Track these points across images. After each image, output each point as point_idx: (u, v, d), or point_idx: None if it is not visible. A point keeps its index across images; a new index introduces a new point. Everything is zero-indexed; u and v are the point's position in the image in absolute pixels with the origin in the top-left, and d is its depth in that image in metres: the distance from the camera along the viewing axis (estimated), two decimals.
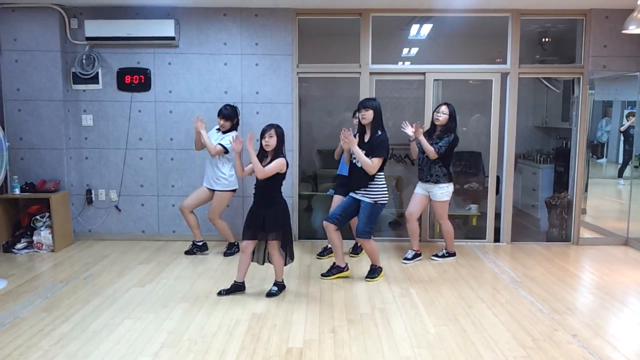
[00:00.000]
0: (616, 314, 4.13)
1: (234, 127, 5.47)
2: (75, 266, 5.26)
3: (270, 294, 4.41)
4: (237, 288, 4.46)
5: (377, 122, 4.65)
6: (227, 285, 4.51)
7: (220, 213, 5.49)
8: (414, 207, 5.46)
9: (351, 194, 4.79)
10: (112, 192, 6.21)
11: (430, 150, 5.17)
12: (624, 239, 6.22)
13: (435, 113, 5.34)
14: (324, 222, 4.82)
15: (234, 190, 5.49)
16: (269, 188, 4.31)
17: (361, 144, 4.67)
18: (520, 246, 6.15)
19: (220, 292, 4.43)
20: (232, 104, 5.57)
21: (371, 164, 4.56)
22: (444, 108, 5.31)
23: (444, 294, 4.49)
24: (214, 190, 5.44)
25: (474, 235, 6.50)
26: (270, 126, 4.29)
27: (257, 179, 4.32)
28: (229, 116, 5.39)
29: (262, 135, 4.27)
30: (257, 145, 4.44)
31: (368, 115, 4.61)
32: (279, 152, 4.29)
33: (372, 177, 4.64)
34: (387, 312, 4.08)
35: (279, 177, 4.31)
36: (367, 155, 4.59)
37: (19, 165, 5.97)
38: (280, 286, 4.49)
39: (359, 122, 4.78)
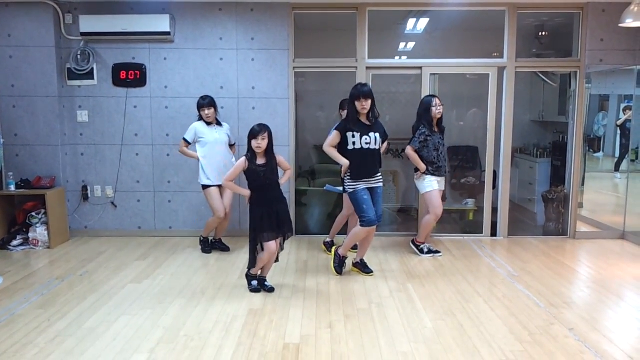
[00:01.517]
0: (613, 307, 4.14)
1: (217, 120, 5.44)
2: (71, 263, 5.24)
3: (271, 289, 4.40)
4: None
5: (374, 107, 4.66)
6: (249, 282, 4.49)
7: None
8: (441, 203, 5.45)
9: (366, 185, 4.65)
10: (108, 189, 6.19)
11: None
12: (620, 232, 6.23)
13: (433, 107, 5.27)
14: (371, 227, 4.64)
15: None
16: (277, 184, 4.29)
17: (367, 129, 4.62)
18: (517, 240, 6.16)
19: (266, 289, 4.42)
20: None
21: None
22: (438, 100, 5.31)
23: (441, 289, 4.49)
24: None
25: (471, 229, 6.50)
26: (263, 128, 4.19)
27: (260, 180, 4.21)
28: (212, 103, 5.35)
29: (254, 137, 4.17)
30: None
31: (368, 105, 4.58)
32: (271, 152, 4.25)
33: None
34: (384, 307, 4.08)
35: (277, 173, 4.29)
36: (382, 136, 4.72)
37: (14, 162, 5.94)
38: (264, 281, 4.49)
39: (354, 111, 4.63)
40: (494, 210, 6.29)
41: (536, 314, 3.94)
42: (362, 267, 4.90)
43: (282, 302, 4.19)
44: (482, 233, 6.29)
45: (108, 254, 5.55)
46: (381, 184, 4.76)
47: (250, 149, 4.24)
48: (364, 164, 4.64)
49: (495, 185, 6.30)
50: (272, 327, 3.71)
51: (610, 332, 3.67)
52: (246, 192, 4.31)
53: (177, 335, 3.57)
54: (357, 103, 4.56)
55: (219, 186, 5.36)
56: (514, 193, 7.15)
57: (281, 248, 4.43)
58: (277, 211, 4.24)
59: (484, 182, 6.32)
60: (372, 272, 4.86)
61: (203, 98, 5.38)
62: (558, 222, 6.37)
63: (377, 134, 4.64)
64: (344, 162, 4.61)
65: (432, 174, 5.34)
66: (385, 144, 4.95)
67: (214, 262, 5.24)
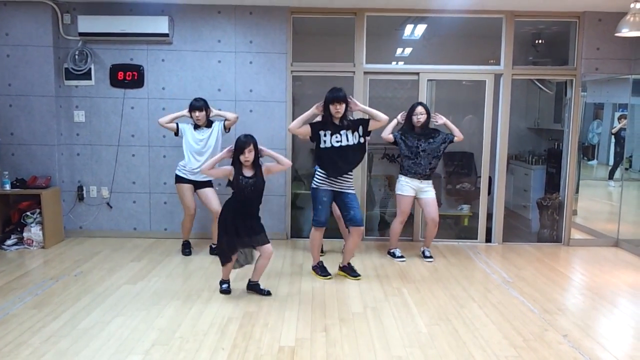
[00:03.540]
0: (606, 314, 4.16)
1: (208, 120, 5.37)
2: (66, 263, 5.22)
3: (268, 293, 4.39)
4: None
5: (347, 112, 4.69)
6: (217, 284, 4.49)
7: None
8: (409, 210, 5.48)
9: (328, 188, 4.72)
10: (104, 189, 6.17)
11: (458, 132, 5.37)
12: (614, 240, 6.26)
13: (414, 116, 5.31)
14: (319, 227, 4.80)
15: None
16: (258, 200, 4.25)
17: (338, 128, 4.65)
18: (511, 246, 6.18)
19: (225, 291, 4.40)
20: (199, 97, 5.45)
21: (385, 116, 4.74)
22: (421, 109, 5.32)
23: (436, 294, 4.51)
24: (203, 185, 5.37)
25: (466, 235, 6.52)
26: (249, 140, 4.10)
27: (244, 193, 4.15)
28: (203, 107, 5.27)
29: (241, 150, 4.08)
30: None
31: (342, 109, 4.62)
32: (257, 163, 4.20)
33: (362, 156, 4.82)
34: (379, 311, 4.09)
35: (262, 190, 4.24)
36: (354, 131, 4.67)
37: (10, 161, 5.93)
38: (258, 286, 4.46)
39: (328, 114, 4.66)
40: (489, 216, 6.32)
41: (530, 320, 3.96)
42: (350, 271, 4.92)
43: (278, 305, 4.19)
44: (476, 239, 6.31)
45: (103, 254, 5.53)
46: (352, 191, 4.76)
47: (235, 161, 4.17)
48: (334, 162, 4.69)
49: (490, 192, 6.32)
50: (267, 329, 3.71)
51: (603, 338, 3.69)
52: (222, 155, 4.21)
53: (172, 337, 3.56)
54: (331, 107, 4.61)
55: (196, 187, 5.39)
56: (508, 199, 7.18)
57: (246, 259, 4.38)
58: (244, 225, 4.17)
59: (479, 188, 6.36)
60: (359, 275, 4.88)
61: (196, 100, 5.32)
62: (552, 229, 6.40)
63: (349, 131, 4.66)
64: (312, 110, 4.66)
65: (406, 174, 5.41)
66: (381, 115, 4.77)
67: (209, 264, 5.23)
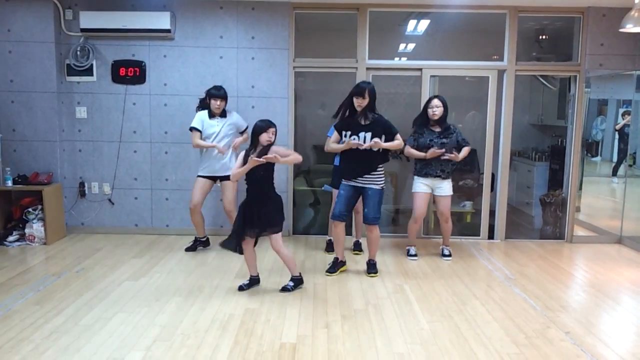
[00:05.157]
0: (609, 312, 4.14)
1: (223, 110, 5.36)
2: (68, 259, 5.23)
3: (284, 289, 4.38)
4: (255, 281, 4.47)
5: (373, 105, 4.67)
6: (231, 279, 4.46)
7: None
8: (424, 207, 5.40)
9: (349, 183, 4.72)
10: (106, 185, 6.17)
11: (467, 150, 5.32)
12: (617, 237, 6.24)
13: (429, 109, 5.27)
14: (334, 221, 4.79)
15: None
16: (266, 183, 4.25)
17: (359, 128, 4.63)
18: (514, 243, 6.16)
19: (241, 287, 4.38)
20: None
21: (401, 143, 4.73)
22: (437, 101, 5.24)
23: (438, 291, 4.49)
24: (220, 179, 5.36)
25: (468, 232, 6.50)
26: (272, 124, 4.19)
27: (253, 175, 4.21)
28: (224, 95, 5.28)
29: (265, 131, 4.16)
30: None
31: (362, 103, 4.62)
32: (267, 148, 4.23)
33: (381, 161, 4.73)
34: (381, 308, 4.08)
35: (273, 172, 4.26)
36: (379, 136, 4.62)
37: (12, 157, 5.92)
38: (296, 281, 4.45)
39: (352, 108, 4.71)
40: (492, 212, 6.29)
41: (533, 317, 3.95)
42: (368, 267, 4.92)
43: (279, 301, 4.18)
44: (479, 235, 6.29)
45: (104, 251, 5.53)
46: (373, 186, 4.69)
47: (253, 144, 4.22)
48: (348, 163, 4.71)
49: (493, 188, 6.30)
50: (268, 326, 3.71)
51: (606, 335, 3.67)
52: (247, 167, 4.16)
53: (173, 334, 3.56)
54: (354, 99, 4.64)
55: (214, 180, 5.37)
56: (511, 196, 7.16)
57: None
58: (258, 212, 4.19)
59: (482, 184, 6.33)
60: (374, 273, 4.86)
61: (217, 89, 5.30)
62: (555, 226, 6.37)
63: (369, 134, 4.61)
64: (346, 145, 4.62)
65: (418, 174, 5.35)
66: (397, 142, 4.71)
67: (210, 261, 5.23)
